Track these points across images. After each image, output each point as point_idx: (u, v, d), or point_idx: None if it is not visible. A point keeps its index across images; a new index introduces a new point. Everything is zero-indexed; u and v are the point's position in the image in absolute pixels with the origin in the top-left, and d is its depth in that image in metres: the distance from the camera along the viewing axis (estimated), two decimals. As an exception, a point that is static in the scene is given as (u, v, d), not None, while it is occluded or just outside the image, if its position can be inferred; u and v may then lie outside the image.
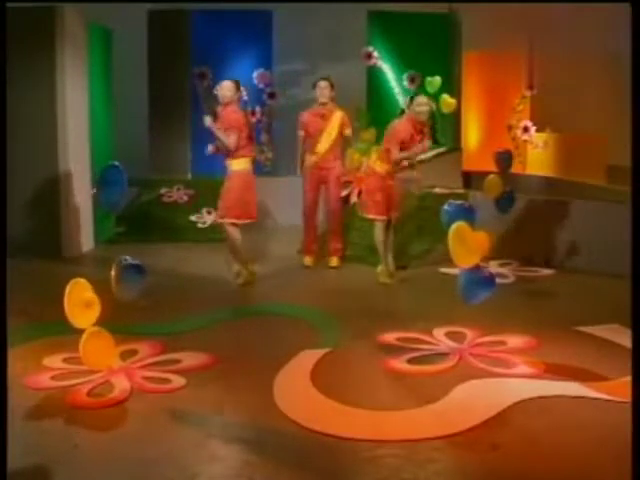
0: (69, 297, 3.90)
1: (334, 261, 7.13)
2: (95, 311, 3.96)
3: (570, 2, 8.90)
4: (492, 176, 7.05)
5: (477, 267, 4.44)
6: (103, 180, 4.51)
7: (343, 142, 7.06)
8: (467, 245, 4.38)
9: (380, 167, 6.44)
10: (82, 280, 4.01)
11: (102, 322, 4.01)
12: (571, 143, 9.45)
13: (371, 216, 6.50)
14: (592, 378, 4.08)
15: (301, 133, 7.03)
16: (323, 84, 6.86)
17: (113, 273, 4.04)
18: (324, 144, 6.93)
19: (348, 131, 7.00)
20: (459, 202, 4.72)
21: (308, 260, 7.14)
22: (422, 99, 6.28)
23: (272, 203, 9.07)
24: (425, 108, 6.20)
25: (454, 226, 4.40)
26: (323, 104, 6.91)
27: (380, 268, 6.54)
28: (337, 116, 6.92)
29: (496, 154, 7.18)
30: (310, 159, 7.01)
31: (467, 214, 4.53)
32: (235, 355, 4.58)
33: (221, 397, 3.89)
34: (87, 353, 3.93)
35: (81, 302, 3.94)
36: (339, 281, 6.77)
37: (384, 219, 6.46)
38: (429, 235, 7.14)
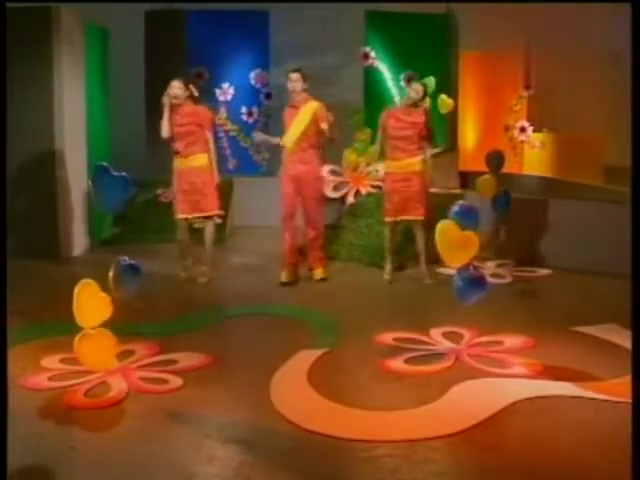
0: (79, 298, 3.91)
1: (319, 273, 6.60)
2: (106, 311, 3.98)
3: (570, 2, 8.90)
4: (485, 176, 7.06)
5: (469, 267, 4.43)
6: (93, 182, 4.52)
7: (320, 138, 6.43)
8: (455, 243, 4.36)
9: (392, 167, 6.39)
10: (91, 281, 4.01)
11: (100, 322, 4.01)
12: (568, 143, 9.46)
13: (386, 219, 6.49)
14: (589, 378, 4.08)
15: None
16: (294, 76, 6.38)
17: (112, 274, 4.04)
18: (292, 135, 6.39)
19: (323, 125, 6.26)
20: (465, 203, 4.62)
21: (284, 276, 6.48)
22: (417, 85, 6.36)
23: (269, 203, 9.05)
24: (416, 95, 6.29)
25: (440, 224, 4.38)
26: (295, 94, 6.42)
27: (387, 268, 6.58)
28: (310, 107, 6.36)
29: (487, 155, 7.20)
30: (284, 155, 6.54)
31: (470, 216, 4.49)
32: (232, 355, 4.58)
33: (218, 397, 3.89)
34: (83, 354, 3.94)
35: (94, 302, 3.95)
36: (335, 281, 6.75)
37: (390, 221, 6.45)
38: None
